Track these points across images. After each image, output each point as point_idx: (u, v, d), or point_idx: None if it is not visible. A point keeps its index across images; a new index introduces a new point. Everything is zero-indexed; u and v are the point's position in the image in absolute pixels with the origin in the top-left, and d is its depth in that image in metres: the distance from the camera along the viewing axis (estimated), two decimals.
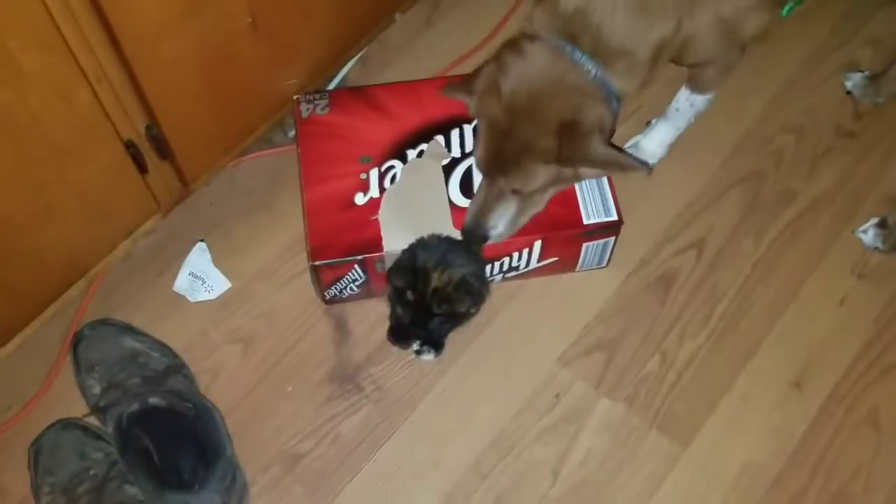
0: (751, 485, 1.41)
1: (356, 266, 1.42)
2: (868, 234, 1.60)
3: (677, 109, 1.57)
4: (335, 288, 1.47)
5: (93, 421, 1.40)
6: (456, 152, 1.50)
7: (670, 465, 1.42)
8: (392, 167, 1.48)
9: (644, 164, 1.31)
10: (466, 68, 1.75)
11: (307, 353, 1.51)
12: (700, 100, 1.54)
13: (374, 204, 1.45)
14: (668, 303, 1.56)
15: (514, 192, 1.34)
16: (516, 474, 1.42)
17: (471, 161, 1.49)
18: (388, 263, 1.42)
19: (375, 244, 1.41)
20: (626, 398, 1.48)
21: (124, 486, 1.30)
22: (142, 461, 1.28)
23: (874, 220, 1.60)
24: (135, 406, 1.29)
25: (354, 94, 1.58)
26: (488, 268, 1.48)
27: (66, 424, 1.38)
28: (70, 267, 1.46)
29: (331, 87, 1.74)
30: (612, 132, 1.33)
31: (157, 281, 1.56)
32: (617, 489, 1.41)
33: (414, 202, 1.45)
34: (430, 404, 1.47)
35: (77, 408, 1.42)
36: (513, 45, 1.28)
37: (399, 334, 1.49)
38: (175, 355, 1.46)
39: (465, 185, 1.47)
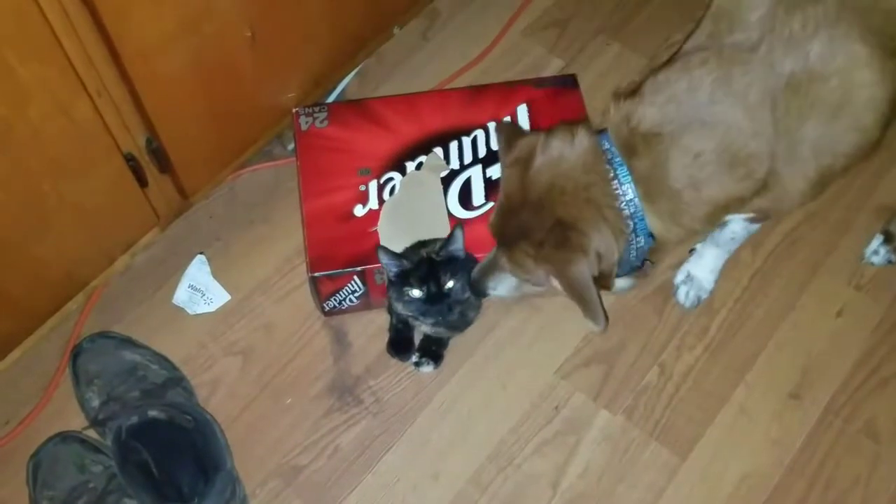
0: (749, 495, 1.41)
1: (355, 277, 1.43)
2: (879, 253, 1.59)
3: (732, 238, 1.45)
4: (334, 299, 1.48)
5: (92, 434, 1.40)
6: (455, 164, 1.51)
7: (669, 477, 1.42)
8: (391, 179, 1.49)
9: (605, 322, 1.20)
10: (463, 82, 1.77)
11: (306, 366, 1.51)
12: (758, 226, 1.42)
13: (373, 216, 1.46)
14: (666, 314, 1.56)
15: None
16: (516, 486, 1.41)
17: (469, 173, 1.50)
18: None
19: (375, 256, 1.41)
20: (624, 410, 1.48)
21: (124, 499, 1.30)
22: (141, 474, 1.27)
23: (879, 239, 1.59)
24: (134, 419, 1.29)
25: (353, 107, 1.59)
26: None
27: (64, 437, 1.37)
28: (69, 280, 1.46)
29: (329, 100, 1.74)
30: (616, 264, 1.20)
31: (157, 294, 1.57)
32: (616, 501, 1.41)
33: (413, 214, 1.46)
34: (430, 416, 1.47)
35: (76, 421, 1.42)
36: (571, 126, 1.19)
37: (399, 346, 1.49)
38: (174, 368, 1.46)
39: (464, 197, 1.48)
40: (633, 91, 1.18)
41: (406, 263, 1.36)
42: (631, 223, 1.16)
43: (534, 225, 1.17)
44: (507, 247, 1.22)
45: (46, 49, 1.11)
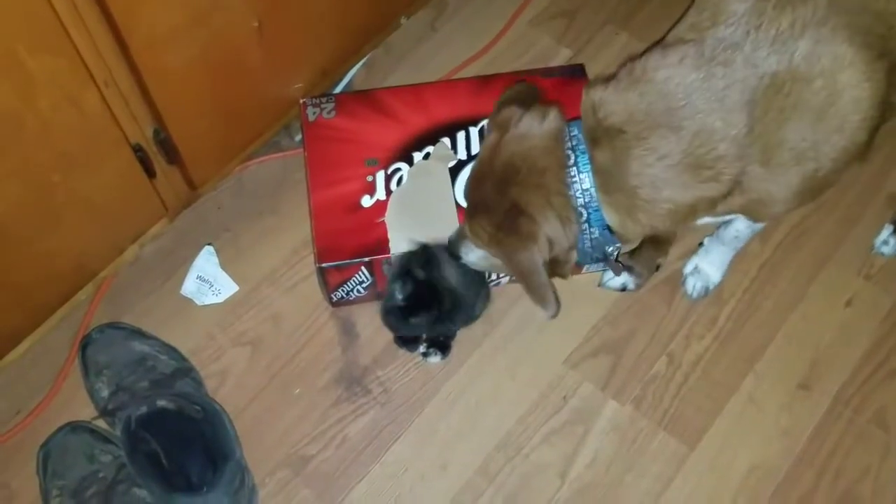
0: (758, 485, 1.41)
1: (363, 268, 1.43)
2: (889, 244, 1.58)
3: (736, 237, 1.43)
4: (342, 290, 1.48)
5: (101, 424, 1.40)
6: (462, 154, 1.50)
7: (678, 466, 1.42)
8: (398, 170, 1.49)
9: (555, 307, 1.19)
10: (471, 73, 1.77)
11: (314, 356, 1.51)
12: (761, 225, 1.39)
13: (380, 206, 1.45)
14: (675, 304, 1.56)
15: None
16: (524, 476, 1.42)
17: None
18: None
19: (382, 246, 1.42)
20: (633, 400, 1.48)
21: (133, 488, 1.30)
22: (150, 464, 1.28)
23: (889, 229, 1.58)
24: (143, 409, 1.29)
25: (360, 98, 1.58)
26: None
27: (74, 428, 1.38)
28: (78, 271, 1.46)
29: (336, 91, 1.74)
30: (569, 252, 1.19)
31: (165, 285, 1.57)
32: (624, 490, 1.41)
33: (420, 204, 1.46)
34: (438, 406, 1.47)
35: (86, 411, 1.43)
36: (546, 108, 1.17)
37: (406, 337, 1.49)
38: (183, 358, 1.46)
39: None
40: (608, 78, 1.15)
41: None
42: (584, 213, 1.15)
43: (493, 202, 1.17)
44: (469, 217, 1.22)
45: (55, 41, 1.11)
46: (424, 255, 1.35)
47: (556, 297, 1.19)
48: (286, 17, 1.44)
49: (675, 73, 1.09)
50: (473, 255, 1.30)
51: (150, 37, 1.23)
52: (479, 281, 1.43)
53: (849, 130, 1.09)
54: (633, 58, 1.14)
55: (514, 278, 1.43)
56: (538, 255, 1.15)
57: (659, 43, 1.15)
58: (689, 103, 1.08)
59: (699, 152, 1.08)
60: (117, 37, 1.18)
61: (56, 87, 1.16)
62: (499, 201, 1.16)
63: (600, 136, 1.13)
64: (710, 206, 1.14)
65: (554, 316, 1.22)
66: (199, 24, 1.29)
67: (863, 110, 1.08)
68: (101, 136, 1.28)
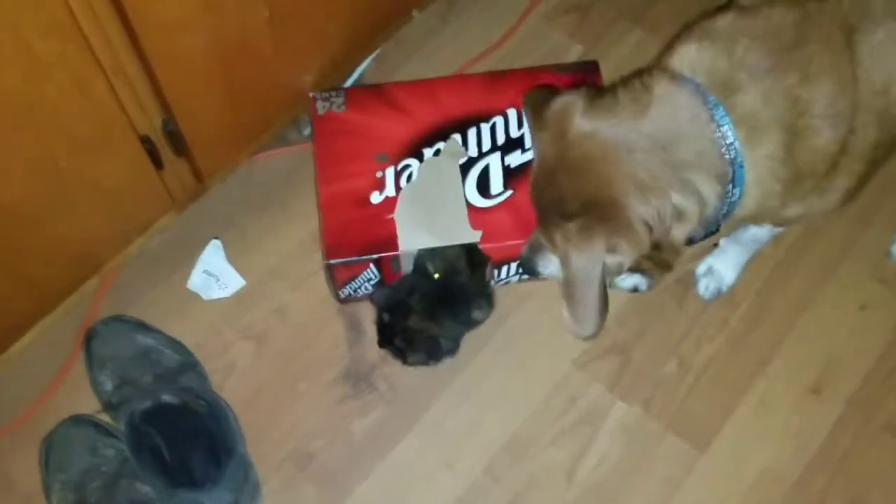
0: (768, 490, 1.39)
1: (371, 265, 1.41)
2: None
3: (755, 238, 1.42)
4: (349, 287, 1.46)
5: (105, 418, 1.39)
6: (473, 151, 1.49)
7: (687, 470, 1.40)
8: (408, 166, 1.47)
9: (594, 330, 1.05)
10: (482, 67, 1.75)
11: (320, 352, 1.50)
12: (781, 228, 1.36)
13: (389, 203, 1.44)
14: (686, 306, 1.54)
15: None
16: (530, 477, 1.40)
17: (487, 161, 1.48)
18: (404, 263, 1.41)
19: (391, 243, 1.40)
20: (642, 401, 1.46)
21: (135, 483, 1.29)
22: (153, 459, 1.27)
23: None
24: (147, 403, 1.28)
25: (371, 92, 1.57)
26: (504, 269, 1.46)
27: (77, 420, 1.37)
28: (83, 262, 1.45)
29: (346, 85, 1.73)
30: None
31: (171, 278, 1.55)
32: (632, 493, 1.39)
33: (430, 201, 1.44)
34: (444, 405, 1.46)
35: (89, 404, 1.41)
36: (639, 79, 1.01)
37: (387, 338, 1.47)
38: (188, 352, 1.45)
39: (482, 185, 1.45)
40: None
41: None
42: (730, 171, 1.00)
43: (568, 194, 1.01)
44: (540, 221, 1.07)
45: (63, 25, 1.09)
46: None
47: (602, 317, 1.04)
48: (297, 6, 1.42)
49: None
50: (553, 267, 1.13)
51: (159, 24, 1.21)
52: (475, 284, 1.42)
53: None
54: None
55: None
56: (601, 262, 0.99)
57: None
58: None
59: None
60: (126, 24, 1.16)
61: (64, 73, 1.14)
62: (575, 192, 1.00)
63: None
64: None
65: (591, 338, 1.08)
66: (210, 13, 1.27)
67: None
68: (110, 126, 1.27)
